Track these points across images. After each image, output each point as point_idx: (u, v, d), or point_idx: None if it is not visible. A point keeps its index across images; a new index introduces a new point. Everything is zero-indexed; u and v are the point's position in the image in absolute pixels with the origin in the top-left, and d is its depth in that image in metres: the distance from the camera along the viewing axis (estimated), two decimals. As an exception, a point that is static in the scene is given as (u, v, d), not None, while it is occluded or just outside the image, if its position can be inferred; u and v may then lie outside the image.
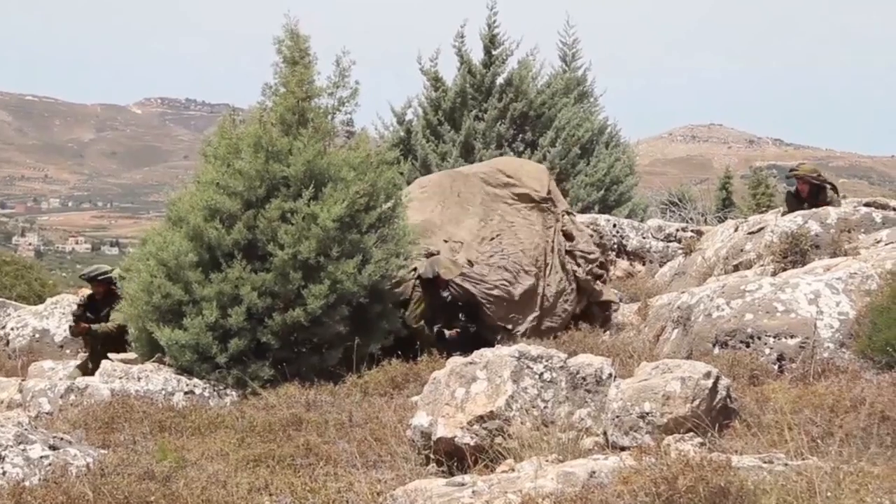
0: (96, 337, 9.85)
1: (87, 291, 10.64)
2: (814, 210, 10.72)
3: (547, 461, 5.32)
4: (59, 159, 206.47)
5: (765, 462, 4.74)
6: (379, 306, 9.38)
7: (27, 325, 12.92)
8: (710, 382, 5.74)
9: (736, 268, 10.69)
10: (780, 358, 7.55)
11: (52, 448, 6.08)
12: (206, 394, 8.65)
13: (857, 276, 8.10)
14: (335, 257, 8.96)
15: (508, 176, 10.86)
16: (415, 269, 9.78)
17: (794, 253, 9.72)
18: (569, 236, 10.86)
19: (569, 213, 11.24)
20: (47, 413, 8.32)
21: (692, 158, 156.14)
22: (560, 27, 22.97)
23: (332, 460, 6.20)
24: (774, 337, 7.67)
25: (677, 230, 15.31)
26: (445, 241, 10.37)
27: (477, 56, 19.71)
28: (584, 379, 6.18)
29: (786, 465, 4.65)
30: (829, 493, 4.12)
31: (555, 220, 10.78)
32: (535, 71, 20.14)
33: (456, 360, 6.55)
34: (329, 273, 8.87)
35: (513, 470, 5.38)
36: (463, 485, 5.08)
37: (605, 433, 5.83)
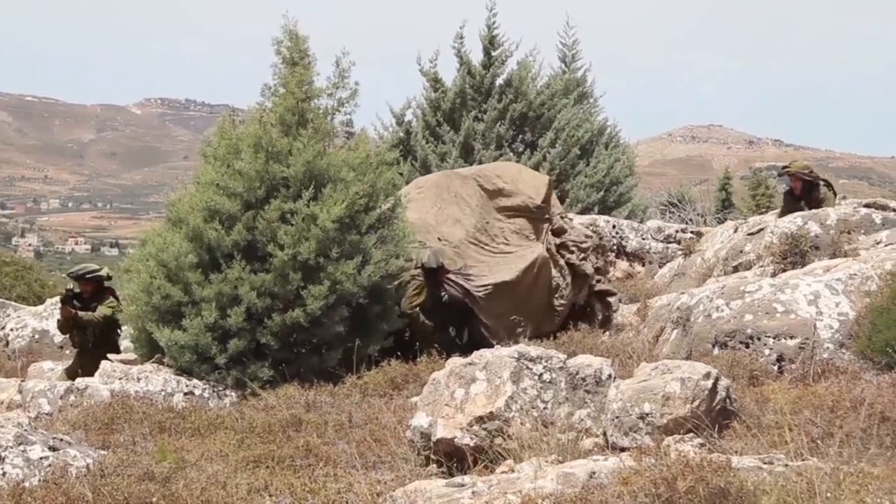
0: (82, 328, 9.70)
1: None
2: (813, 211, 10.72)
3: (547, 462, 5.32)
4: (59, 160, 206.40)
5: (765, 463, 4.74)
6: (378, 307, 9.38)
7: (27, 325, 12.93)
8: (709, 383, 5.74)
9: (735, 269, 10.68)
10: (780, 358, 7.55)
11: (52, 449, 6.08)
12: (206, 395, 8.65)
13: (857, 277, 8.10)
14: (335, 258, 8.96)
15: (505, 182, 10.88)
16: (411, 260, 9.74)
17: (794, 254, 9.72)
18: (560, 232, 10.93)
19: (563, 217, 11.31)
20: (47, 414, 8.33)
21: (692, 159, 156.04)
22: (560, 28, 22.95)
23: (331, 461, 6.21)
24: (774, 338, 7.67)
25: (677, 231, 15.31)
26: (440, 241, 10.38)
27: (476, 57, 19.71)
28: (583, 379, 6.18)
29: (786, 465, 4.65)
30: (829, 494, 4.12)
31: (548, 224, 10.85)
32: (535, 72, 20.13)
33: (455, 361, 6.55)
34: (329, 274, 8.87)
35: (512, 471, 5.38)
36: (463, 485, 5.08)
37: (604, 434, 5.83)
